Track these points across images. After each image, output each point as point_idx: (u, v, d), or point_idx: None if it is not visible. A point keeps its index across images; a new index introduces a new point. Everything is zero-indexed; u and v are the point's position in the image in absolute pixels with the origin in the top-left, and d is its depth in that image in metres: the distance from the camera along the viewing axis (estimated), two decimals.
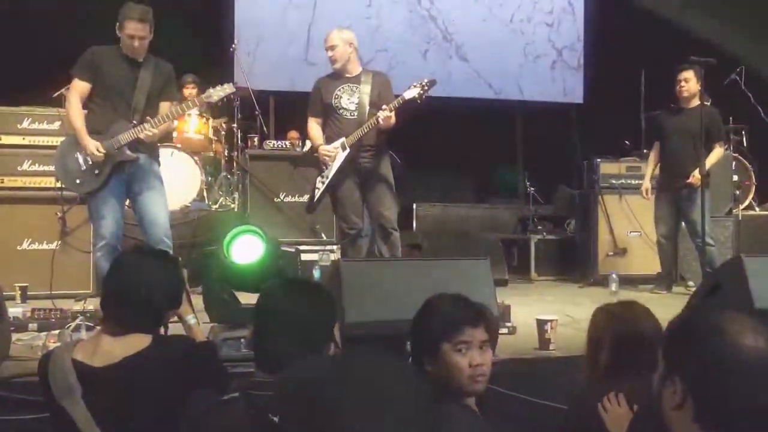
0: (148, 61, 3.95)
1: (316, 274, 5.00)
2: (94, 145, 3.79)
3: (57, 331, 3.22)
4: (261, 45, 7.39)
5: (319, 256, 5.31)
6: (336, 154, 4.47)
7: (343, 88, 4.54)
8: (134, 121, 3.85)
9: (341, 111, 4.52)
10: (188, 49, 6.02)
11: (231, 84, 4.09)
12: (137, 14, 3.81)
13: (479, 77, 7.95)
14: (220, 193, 6.14)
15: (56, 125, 4.96)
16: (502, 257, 5.89)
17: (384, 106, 4.35)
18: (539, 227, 6.73)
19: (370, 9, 7.69)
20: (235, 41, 6.70)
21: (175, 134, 5.99)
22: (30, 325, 3.44)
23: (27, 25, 6.47)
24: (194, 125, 6.16)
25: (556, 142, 7.88)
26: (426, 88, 4.32)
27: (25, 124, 4.93)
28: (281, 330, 1.75)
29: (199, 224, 5.57)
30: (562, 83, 8.20)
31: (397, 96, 4.44)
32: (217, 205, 6.01)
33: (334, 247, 5.53)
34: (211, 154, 6.36)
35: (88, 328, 3.11)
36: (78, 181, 3.88)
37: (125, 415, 1.88)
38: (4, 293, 3.24)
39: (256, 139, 6.08)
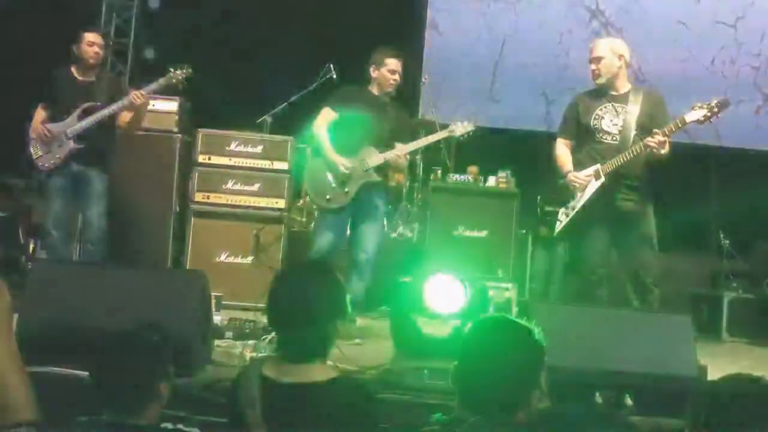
0: (390, 102, 4.47)
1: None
2: (342, 161, 4.27)
3: (252, 342, 3.43)
4: (447, 79, 7.49)
5: (494, 292, 5.25)
6: (588, 182, 3.90)
7: (605, 107, 3.95)
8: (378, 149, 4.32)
9: (601, 134, 3.92)
10: None
11: (472, 123, 4.51)
12: (397, 53, 4.40)
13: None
14: (399, 222, 6.27)
15: (259, 149, 5.32)
16: (690, 313, 5.47)
17: (655, 130, 3.69)
18: (734, 284, 6.20)
19: (560, 46, 7.57)
20: (426, 75, 6.85)
21: None
22: (226, 333, 3.68)
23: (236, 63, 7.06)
24: None
25: (756, 193, 7.25)
26: (716, 110, 3.64)
27: (232, 146, 5.33)
28: (488, 370, 1.71)
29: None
30: None
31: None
32: (396, 234, 6.13)
33: (510, 284, 5.44)
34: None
35: None
36: (328, 197, 4.32)
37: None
38: None
39: (438, 172, 6.15)
